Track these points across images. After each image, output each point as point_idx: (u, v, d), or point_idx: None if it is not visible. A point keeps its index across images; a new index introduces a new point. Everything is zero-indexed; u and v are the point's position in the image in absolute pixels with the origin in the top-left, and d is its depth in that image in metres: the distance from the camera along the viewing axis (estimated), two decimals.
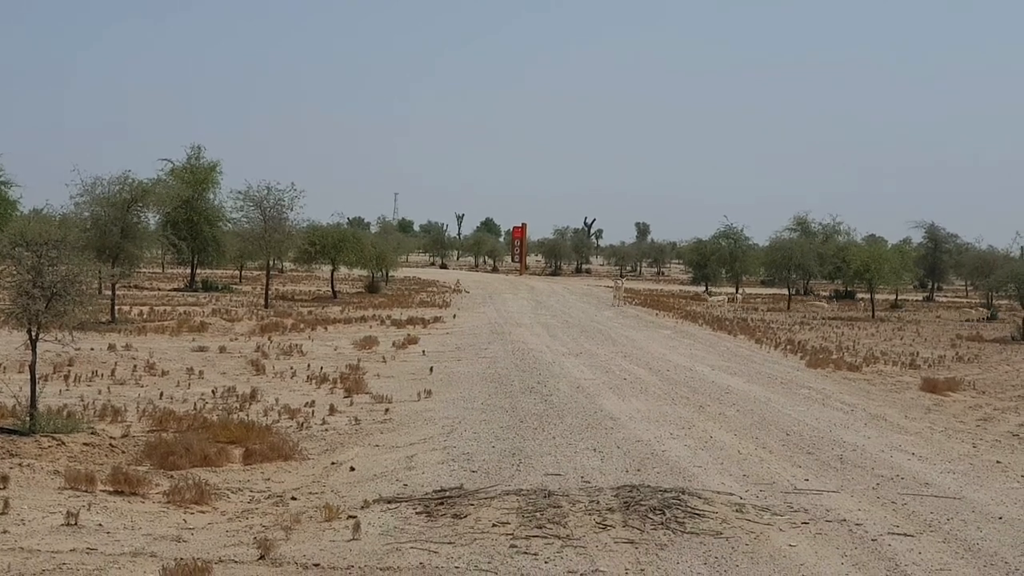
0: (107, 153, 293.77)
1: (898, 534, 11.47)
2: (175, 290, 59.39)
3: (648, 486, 13.20)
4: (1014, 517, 12.49)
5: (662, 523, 11.50)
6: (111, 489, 12.53)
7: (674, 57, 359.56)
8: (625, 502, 12.33)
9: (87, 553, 10.08)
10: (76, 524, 10.97)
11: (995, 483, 14.51)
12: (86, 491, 12.34)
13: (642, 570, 9.89)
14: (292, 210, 51.00)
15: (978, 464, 15.91)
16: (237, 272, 74.70)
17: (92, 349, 26.46)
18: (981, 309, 57.44)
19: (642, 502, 12.31)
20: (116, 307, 37.65)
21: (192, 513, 11.98)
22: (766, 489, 13.45)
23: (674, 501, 12.39)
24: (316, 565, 9.89)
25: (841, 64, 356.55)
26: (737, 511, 12.18)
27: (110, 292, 38.41)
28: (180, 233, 52.20)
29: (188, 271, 62.66)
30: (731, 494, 13.03)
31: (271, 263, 55.89)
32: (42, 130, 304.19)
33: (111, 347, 27.86)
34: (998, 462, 16.11)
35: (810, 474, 14.54)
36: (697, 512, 12.00)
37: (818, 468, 15.00)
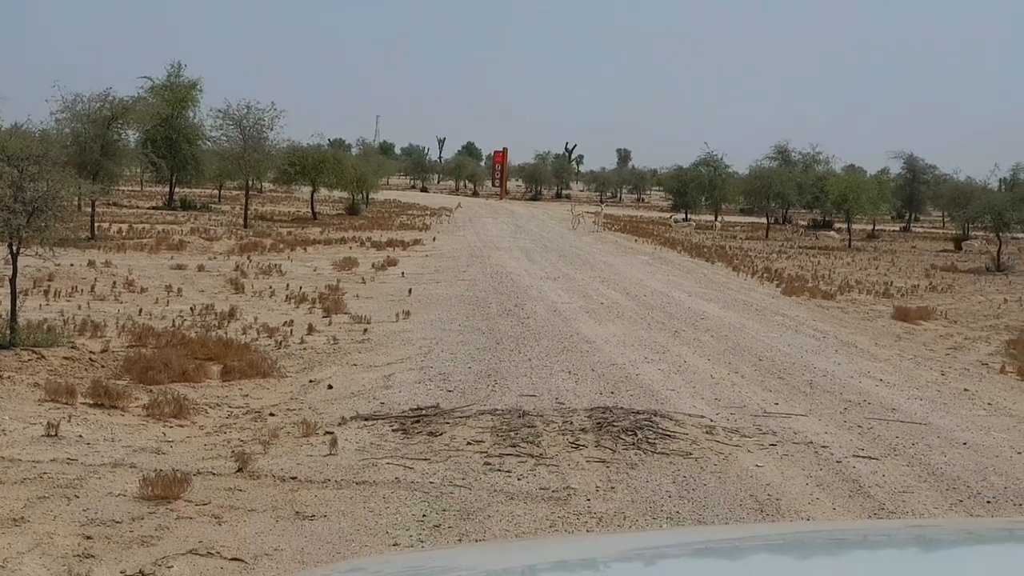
0: (87, 69, 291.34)
1: (863, 457, 11.71)
2: (154, 208, 59.26)
3: (621, 408, 13.40)
4: (978, 443, 12.74)
5: (633, 443, 11.72)
6: (91, 402, 12.66)
7: None
8: (598, 423, 12.54)
9: (68, 463, 10.24)
10: (57, 435, 11.12)
11: (961, 410, 14.76)
12: (66, 403, 12.47)
13: (612, 488, 10.11)
14: (272, 130, 50.82)
15: (945, 391, 16.15)
16: (216, 191, 74.46)
17: (72, 265, 26.52)
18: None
19: (614, 423, 12.53)
20: (96, 224, 37.62)
21: (171, 427, 12.14)
22: (736, 412, 13.68)
23: (646, 423, 12.61)
24: (293, 478, 10.08)
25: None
26: (707, 433, 12.41)
27: (90, 209, 38.36)
28: (159, 151, 51.81)
29: (167, 189, 62.45)
30: (702, 416, 13.25)
31: (250, 183, 55.73)
32: (21, 44, 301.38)
33: (91, 263, 27.92)
34: (965, 390, 16.36)
35: (780, 398, 14.77)
36: (668, 433, 12.22)
37: (788, 393, 15.24)
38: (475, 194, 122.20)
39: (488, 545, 7.23)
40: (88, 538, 8.34)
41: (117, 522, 8.70)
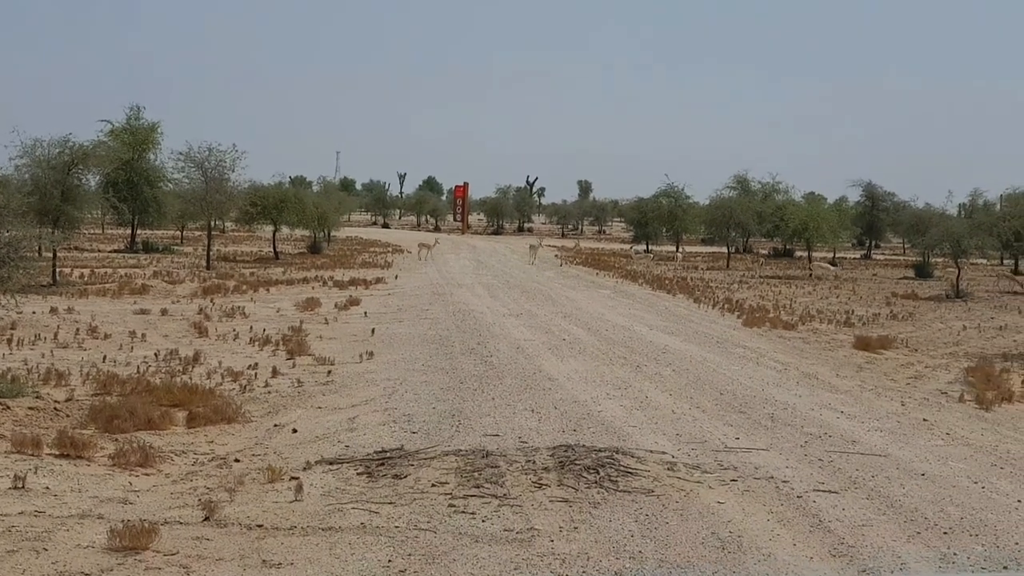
0: (45, 115, 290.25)
1: (823, 491, 11.87)
2: (116, 251, 59.16)
3: (583, 446, 13.55)
4: (936, 474, 12.93)
5: (596, 482, 11.86)
6: (57, 452, 12.71)
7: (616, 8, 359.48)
8: (560, 462, 12.67)
9: (35, 516, 10.29)
10: (23, 487, 11.17)
11: (920, 440, 14.96)
12: (32, 455, 12.51)
13: (575, 528, 10.24)
14: (233, 171, 51.04)
15: (905, 422, 16.36)
16: (178, 233, 74.38)
17: (34, 313, 26.49)
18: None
19: (577, 461, 12.67)
20: (57, 269, 37.56)
21: (137, 476, 12.20)
22: (698, 448, 13.84)
23: (608, 460, 12.76)
24: (259, 526, 10.16)
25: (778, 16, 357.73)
26: (669, 469, 12.56)
27: (51, 254, 38.30)
28: (120, 194, 52.03)
29: (129, 232, 62.34)
30: (664, 453, 13.41)
31: (213, 224, 55.79)
32: None
33: (53, 310, 27.89)
34: (925, 420, 16.57)
35: (741, 433, 14.94)
36: (630, 471, 12.37)
37: (749, 427, 15.41)
38: (437, 229, 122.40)
39: None
40: None
41: (86, 574, 8.77)
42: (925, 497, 11.79)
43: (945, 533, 10.43)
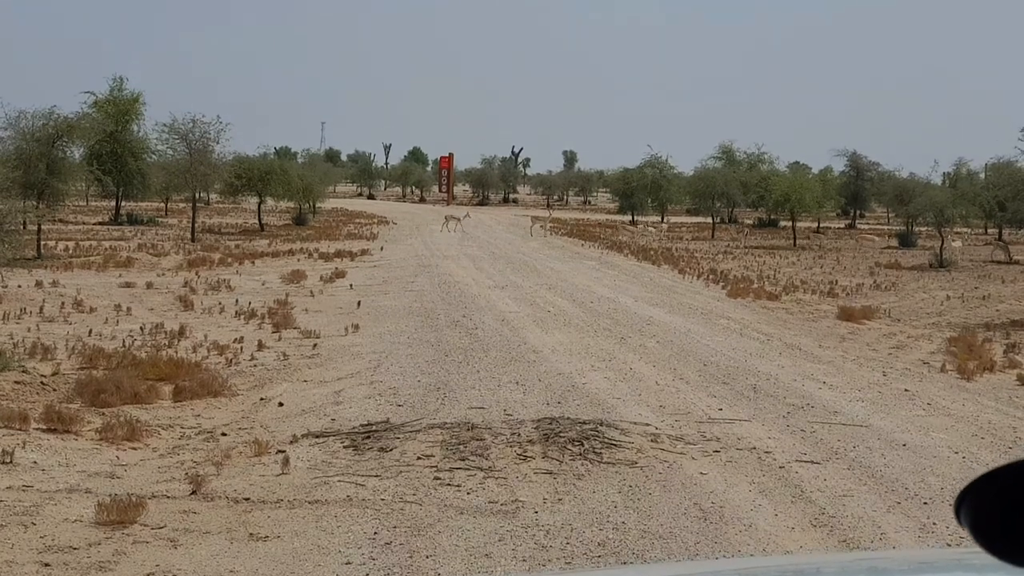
0: (27, 86, 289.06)
1: (805, 461, 11.99)
2: (100, 224, 59.09)
3: (568, 418, 13.64)
4: (917, 444, 13.05)
5: (580, 454, 11.96)
6: (44, 427, 12.76)
7: None
8: (545, 434, 12.77)
9: (23, 490, 10.36)
10: (11, 462, 11.23)
11: (902, 411, 15.08)
12: (20, 429, 12.55)
13: (559, 500, 10.34)
14: (218, 143, 51.00)
15: (887, 392, 16.47)
16: (163, 205, 74.26)
17: (20, 286, 26.48)
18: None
19: (561, 434, 12.77)
20: (42, 242, 37.55)
21: (124, 450, 12.26)
22: (681, 419, 13.94)
23: (592, 432, 12.86)
24: (246, 499, 10.25)
25: None
26: (652, 441, 12.66)
27: (35, 227, 38.27)
28: (105, 166, 51.88)
29: (113, 204, 62.25)
30: (647, 424, 13.51)
31: (197, 196, 55.72)
32: None
33: (38, 284, 27.86)
34: (906, 390, 16.68)
35: (724, 404, 15.04)
36: (614, 443, 12.47)
37: (732, 398, 15.52)
38: (422, 200, 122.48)
39: None
40: (47, 565, 8.49)
41: (75, 548, 8.85)
42: (906, 468, 11.90)
43: (925, 503, 10.55)
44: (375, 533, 9.30)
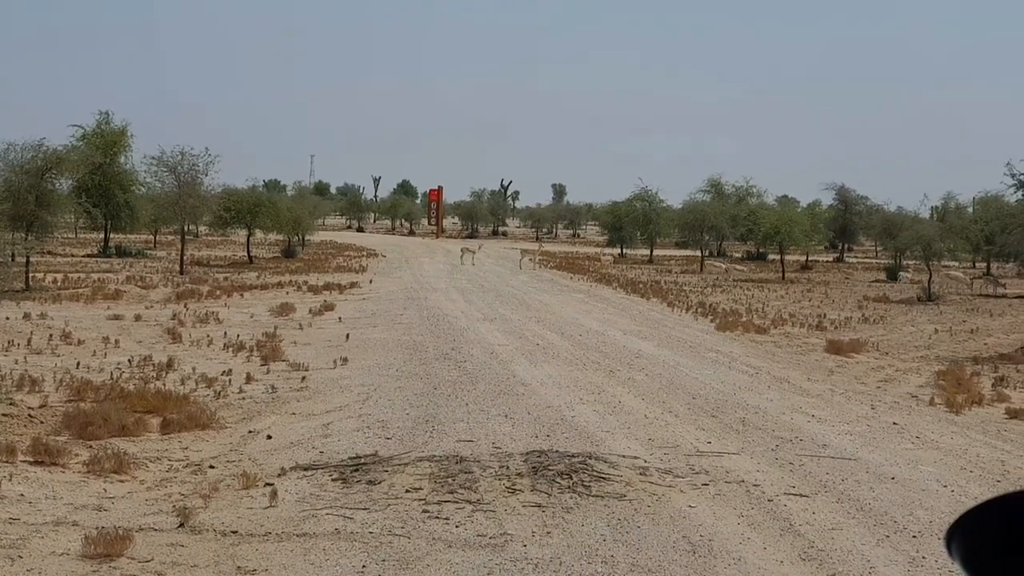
0: (14, 121, 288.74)
1: (794, 495, 11.98)
2: (89, 256, 59.01)
3: (556, 451, 13.63)
4: (905, 477, 13.05)
5: (569, 487, 11.94)
6: (31, 459, 12.72)
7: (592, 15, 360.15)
8: (534, 467, 12.76)
9: (10, 523, 10.32)
10: None
11: (890, 444, 15.09)
12: (7, 462, 12.51)
13: (548, 533, 10.32)
14: (207, 175, 50.97)
15: (875, 426, 16.48)
16: (151, 237, 74.19)
17: (8, 318, 26.47)
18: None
19: (550, 467, 12.75)
20: (30, 274, 37.45)
21: (112, 482, 12.23)
22: (670, 452, 13.94)
23: (581, 465, 12.84)
24: (234, 532, 10.21)
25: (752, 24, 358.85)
26: (641, 474, 12.65)
27: (24, 259, 38.19)
28: (93, 199, 51.86)
29: (102, 236, 62.19)
30: (636, 457, 13.50)
31: (186, 228, 55.68)
32: None
33: (26, 316, 27.84)
34: (895, 423, 16.70)
35: (713, 437, 15.04)
36: (603, 476, 12.46)
37: (721, 431, 15.52)
38: (411, 233, 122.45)
39: None
40: None
41: None
42: (895, 501, 11.90)
43: (914, 536, 10.54)
44: (363, 567, 9.27)
